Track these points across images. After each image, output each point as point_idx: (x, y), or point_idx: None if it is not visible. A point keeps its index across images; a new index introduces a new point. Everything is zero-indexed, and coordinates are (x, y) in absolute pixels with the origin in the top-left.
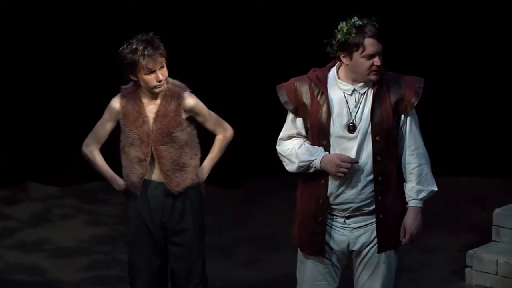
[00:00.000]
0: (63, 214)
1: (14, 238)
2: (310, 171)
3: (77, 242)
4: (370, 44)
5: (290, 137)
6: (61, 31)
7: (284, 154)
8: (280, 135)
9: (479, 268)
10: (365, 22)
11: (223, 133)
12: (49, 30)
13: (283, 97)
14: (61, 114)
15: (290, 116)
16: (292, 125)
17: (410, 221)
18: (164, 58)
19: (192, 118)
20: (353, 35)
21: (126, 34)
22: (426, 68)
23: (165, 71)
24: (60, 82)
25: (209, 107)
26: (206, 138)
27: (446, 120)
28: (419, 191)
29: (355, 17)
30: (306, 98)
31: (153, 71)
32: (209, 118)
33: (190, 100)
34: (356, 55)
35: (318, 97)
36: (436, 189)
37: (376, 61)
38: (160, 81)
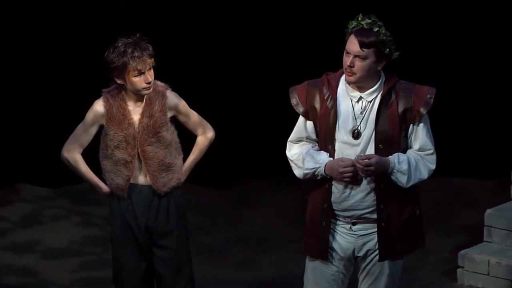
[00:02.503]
0: (54, 215)
1: (5, 239)
2: (317, 178)
3: (68, 243)
4: (349, 40)
5: (299, 140)
6: (61, 31)
7: (291, 159)
8: (290, 138)
9: (471, 269)
10: (370, 23)
11: (204, 134)
12: (49, 30)
13: (294, 99)
14: (54, 115)
15: (300, 119)
16: (302, 128)
17: (381, 158)
18: (152, 60)
19: (174, 117)
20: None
21: (126, 35)
22: (419, 69)
23: (152, 73)
24: (59, 82)
25: (206, 107)
26: (188, 139)
27: (438, 121)
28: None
29: (367, 17)
30: (317, 101)
31: (142, 73)
32: (191, 117)
33: (174, 99)
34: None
35: (328, 102)
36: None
37: (348, 60)
38: (149, 83)
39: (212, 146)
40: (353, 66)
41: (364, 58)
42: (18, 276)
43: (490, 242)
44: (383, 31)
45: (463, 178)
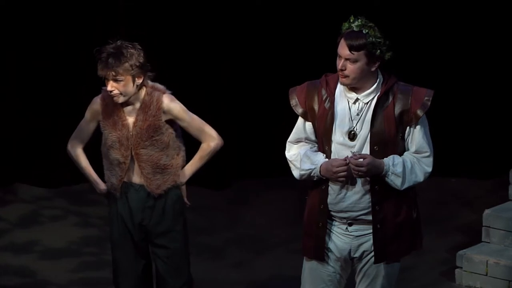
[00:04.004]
0: (52, 215)
1: (3, 239)
2: (314, 179)
3: (66, 244)
4: (340, 43)
5: (298, 141)
6: (61, 31)
7: (290, 159)
8: (289, 138)
9: (469, 269)
10: (360, 25)
11: (207, 142)
12: (48, 30)
13: (293, 100)
14: (53, 115)
15: (299, 120)
16: (301, 129)
17: (375, 160)
18: (116, 74)
19: (173, 120)
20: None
21: (126, 34)
22: (417, 70)
23: (120, 85)
24: (58, 82)
25: (205, 107)
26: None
27: (435, 121)
28: (397, 166)
29: (357, 20)
30: (315, 103)
31: (106, 79)
32: (192, 123)
33: (169, 103)
34: None
35: (325, 103)
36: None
37: (339, 63)
38: (110, 91)
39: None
40: (345, 69)
41: (354, 61)
42: (16, 277)
43: (488, 242)
44: (373, 33)
45: (462, 178)
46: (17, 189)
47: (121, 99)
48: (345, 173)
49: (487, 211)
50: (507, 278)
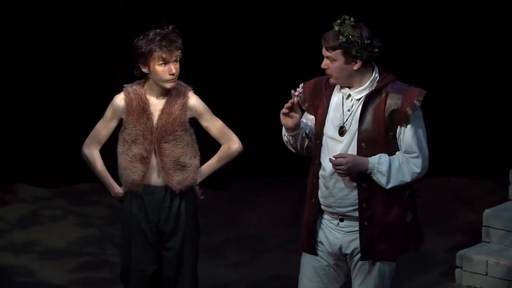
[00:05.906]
0: (52, 215)
1: (3, 239)
2: (290, 142)
3: (66, 244)
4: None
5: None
6: (60, 31)
7: (285, 140)
8: None
9: (469, 269)
10: (339, 23)
11: (228, 144)
12: (49, 30)
13: (302, 95)
14: (52, 115)
15: (304, 114)
16: (303, 120)
17: (357, 158)
18: (179, 52)
19: (194, 120)
20: None
21: (124, 32)
22: (417, 69)
23: (178, 66)
24: (58, 83)
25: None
26: (209, 142)
27: (434, 121)
28: (382, 164)
29: (339, 19)
30: (317, 97)
31: (166, 63)
32: (215, 123)
33: (195, 100)
34: None
35: (325, 98)
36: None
37: (323, 62)
38: (172, 74)
39: (209, 146)
40: (327, 68)
41: (333, 60)
42: (16, 276)
43: (488, 242)
44: (348, 32)
45: (462, 178)
46: (17, 189)
47: (175, 83)
48: (286, 111)
49: (487, 211)
50: (507, 278)
